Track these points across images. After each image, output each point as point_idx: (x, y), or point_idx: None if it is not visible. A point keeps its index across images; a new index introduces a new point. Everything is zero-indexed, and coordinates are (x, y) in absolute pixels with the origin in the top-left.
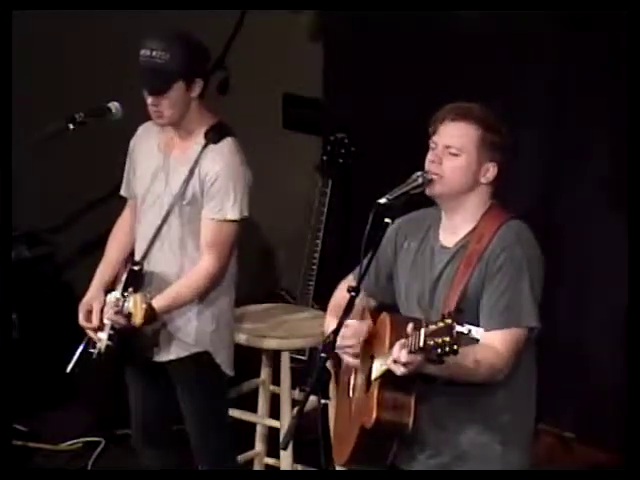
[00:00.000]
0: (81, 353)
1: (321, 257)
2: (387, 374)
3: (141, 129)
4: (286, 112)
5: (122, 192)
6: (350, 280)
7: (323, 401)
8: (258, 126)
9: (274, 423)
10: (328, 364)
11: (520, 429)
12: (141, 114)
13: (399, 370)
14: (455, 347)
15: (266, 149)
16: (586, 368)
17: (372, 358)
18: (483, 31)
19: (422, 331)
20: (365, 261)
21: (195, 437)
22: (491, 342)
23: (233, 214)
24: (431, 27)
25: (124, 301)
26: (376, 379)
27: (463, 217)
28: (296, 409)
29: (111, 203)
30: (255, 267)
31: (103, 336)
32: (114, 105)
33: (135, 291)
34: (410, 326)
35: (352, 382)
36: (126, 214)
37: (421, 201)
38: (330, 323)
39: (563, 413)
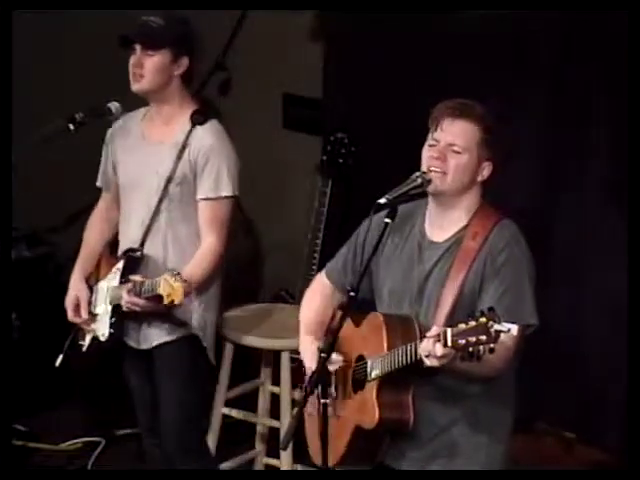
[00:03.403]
0: (69, 346)
1: (321, 257)
2: (388, 373)
3: (120, 121)
4: (286, 112)
5: (98, 183)
6: (323, 281)
7: (323, 401)
8: (258, 126)
9: (274, 423)
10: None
11: (501, 421)
12: None
13: (431, 362)
14: (492, 346)
15: (266, 149)
16: (586, 368)
17: (360, 358)
18: (483, 31)
19: (448, 331)
20: (364, 262)
21: (168, 424)
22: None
23: (227, 190)
24: (431, 27)
25: (142, 285)
26: (374, 379)
27: (457, 214)
28: (296, 409)
29: None
30: (255, 267)
31: (98, 326)
32: (114, 105)
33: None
34: (435, 327)
35: (333, 384)
36: (101, 206)
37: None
38: (305, 340)
39: (563, 413)
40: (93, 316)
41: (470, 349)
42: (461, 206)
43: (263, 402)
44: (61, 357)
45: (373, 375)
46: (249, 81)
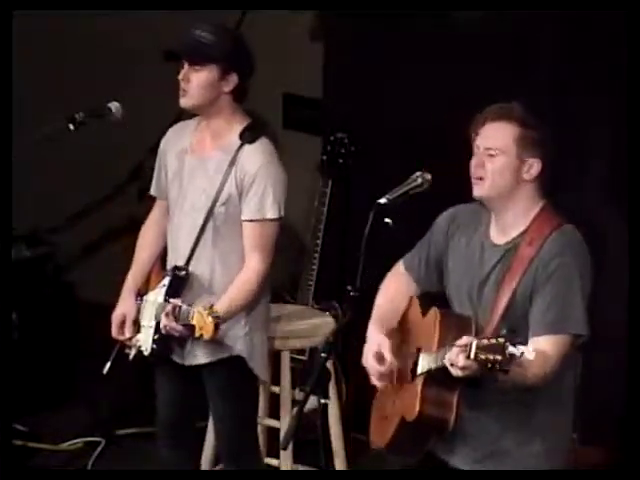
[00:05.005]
0: (117, 354)
1: (321, 257)
2: (433, 370)
3: (171, 131)
4: (286, 112)
5: (152, 192)
6: (400, 270)
7: (323, 401)
8: None
9: (274, 423)
10: (328, 364)
11: (558, 429)
12: (141, 114)
13: (455, 372)
14: (506, 368)
15: None
16: (586, 368)
17: (418, 350)
18: (483, 31)
19: (474, 343)
20: (361, 264)
21: (222, 439)
22: (540, 347)
23: (273, 213)
24: (431, 27)
25: (180, 310)
26: (422, 374)
27: (513, 216)
28: (296, 409)
29: (111, 203)
30: None
31: (142, 337)
32: (114, 105)
33: (176, 295)
34: (465, 337)
35: (395, 368)
36: (155, 214)
37: (421, 201)
38: (371, 329)
39: None
40: (139, 326)
41: (488, 365)
42: (515, 208)
43: (263, 402)
44: (109, 364)
45: (419, 370)
46: (249, 81)
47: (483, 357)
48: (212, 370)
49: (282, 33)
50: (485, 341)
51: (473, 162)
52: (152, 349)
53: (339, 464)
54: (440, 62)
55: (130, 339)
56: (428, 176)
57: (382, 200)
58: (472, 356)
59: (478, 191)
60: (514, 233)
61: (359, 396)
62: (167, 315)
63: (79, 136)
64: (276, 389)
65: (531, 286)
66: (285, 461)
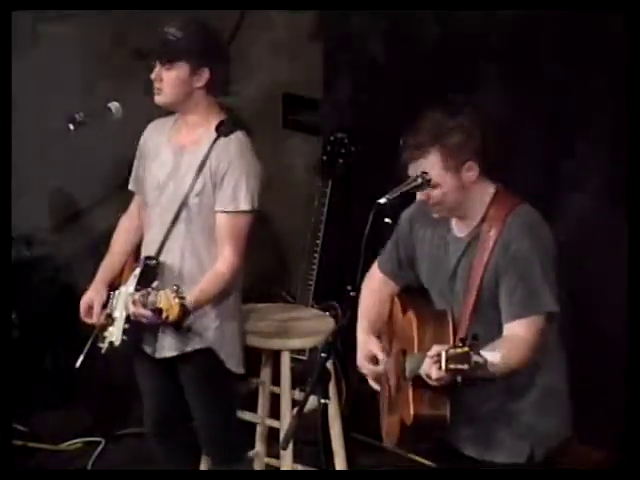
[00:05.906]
0: (90, 348)
1: (321, 257)
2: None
3: (151, 126)
4: (286, 112)
5: (130, 187)
6: (376, 272)
7: (323, 401)
8: (258, 126)
9: (274, 423)
10: (328, 364)
11: (553, 400)
12: (141, 114)
13: (432, 384)
14: (471, 377)
15: (266, 149)
16: (586, 368)
17: (404, 352)
18: (483, 31)
19: (443, 354)
20: (360, 264)
21: (202, 433)
22: (515, 332)
23: (246, 205)
24: (431, 27)
25: (148, 296)
26: (409, 378)
27: (469, 208)
28: (296, 409)
29: (112, 203)
30: (255, 267)
31: (114, 330)
32: (114, 105)
33: (147, 285)
34: (434, 347)
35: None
36: (133, 209)
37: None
38: (359, 337)
39: None
40: (112, 320)
41: (457, 377)
42: (468, 202)
43: (263, 402)
44: (81, 358)
45: (407, 374)
46: (249, 81)
47: (453, 367)
48: (184, 363)
49: (282, 33)
50: (452, 351)
51: (419, 197)
52: (122, 340)
53: (339, 464)
54: (440, 62)
55: (102, 330)
56: (428, 176)
57: (382, 200)
58: (443, 367)
59: (436, 214)
60: (473, 223)
61: (359, 396)
62: (134, 302)
63: (79, 136)
64: (276, 389)
65: (495, 274)
66: (285, 461)
